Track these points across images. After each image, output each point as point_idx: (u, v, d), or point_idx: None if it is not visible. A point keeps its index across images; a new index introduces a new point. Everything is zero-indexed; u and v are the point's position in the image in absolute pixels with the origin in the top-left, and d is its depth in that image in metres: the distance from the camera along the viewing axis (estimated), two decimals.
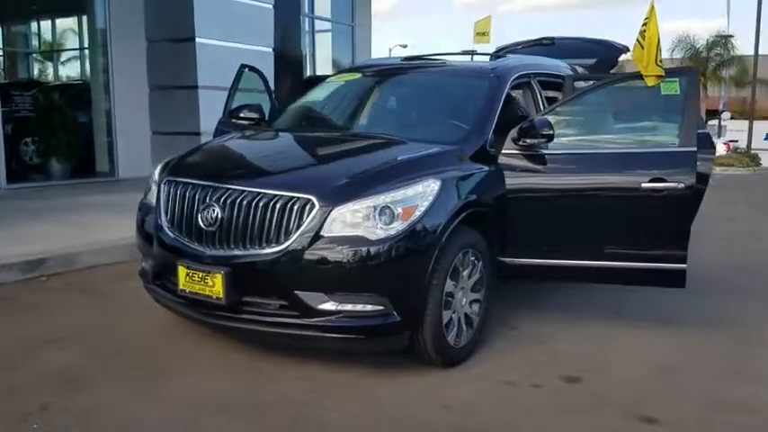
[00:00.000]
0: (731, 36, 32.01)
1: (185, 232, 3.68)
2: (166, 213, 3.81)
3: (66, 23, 16.45)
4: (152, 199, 4.03)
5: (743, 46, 41.04)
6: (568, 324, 4.52)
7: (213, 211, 3.53)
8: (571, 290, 5.24)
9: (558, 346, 4.14)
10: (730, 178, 16.19)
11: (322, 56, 15.34)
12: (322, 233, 3.36)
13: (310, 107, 5.26)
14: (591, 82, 5.31)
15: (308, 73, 14.00)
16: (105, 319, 4.46)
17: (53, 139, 10.52)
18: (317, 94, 5.34)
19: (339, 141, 4.44)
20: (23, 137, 11.29)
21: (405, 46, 41.62)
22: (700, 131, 4.17)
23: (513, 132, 4.13)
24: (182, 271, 3.58)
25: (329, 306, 3.39)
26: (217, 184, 3.62)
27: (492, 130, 4.22)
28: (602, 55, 6.51)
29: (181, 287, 3.60)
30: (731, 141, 26.14)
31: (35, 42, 17.85)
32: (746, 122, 23.46)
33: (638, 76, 4.16)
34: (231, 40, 9.26)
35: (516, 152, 4.15)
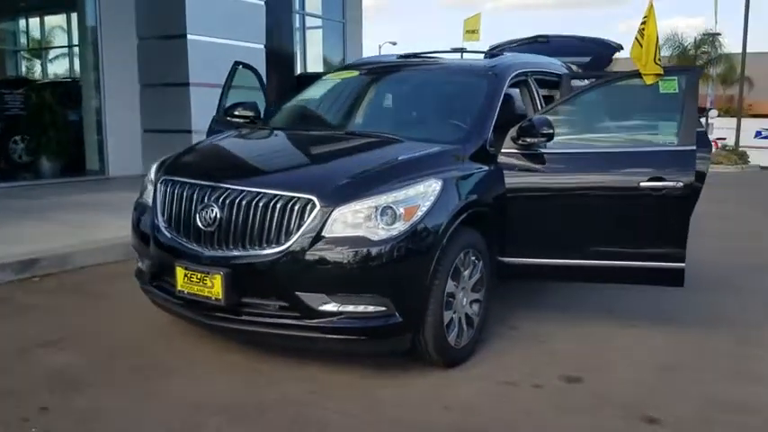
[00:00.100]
0: (718, 34, 32.24)
1: (183, 232, 3.64)
2: (163, 213, 3.78)
3: (57, 20, 16.33)
4: (148, 198, 3.99)
5: (730, 44, 41.33)
6: (567, 323, 4.52)
7: (212, 211, 3.49)
8: (569, 289, 5.25)
9: (557, 346, 4.14)
10: (719, 176, 16.23)
11: (313, 53, 15.32)
12: (323, 233, 3.34)
13: (308, 105, 5.22)
14: (588, 80, 5.32)
15: (299, 70, 13.96)
16: (102, 319, 4.41)
17: (43, 137, 10.43)
18: (313, 92, 5.29)
19: (338, 140, 4.40)
20: (13, 135, 11.21)
21: (394, 43, 41.74)
22: (698, 130, 4.18)
23: (513, 131, 4.12)
24: (180, 272, 3.54)
25: (330, 307, 3.36)
26: (215, 184, 3.59)
27: (491, 129, 4.20)
28: (597, 53, 6.53)
29: (179, 288, 3.56)
30: (719, 139, 26.31)
31: (24, 40, 17.71)
32: (734, 120, 23.58)
33: (637, 74, 4.16)
34: (222, 36, 9.21)
35: (516, 151, 4.14)
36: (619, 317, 4.75)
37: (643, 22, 4.14)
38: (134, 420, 3.11)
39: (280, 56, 10.41)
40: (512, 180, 4.11)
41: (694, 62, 30.90)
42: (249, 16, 9.85)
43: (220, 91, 6.23)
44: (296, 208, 3.37)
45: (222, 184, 3.57)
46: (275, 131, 4.72)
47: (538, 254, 4.19)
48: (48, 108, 10.63)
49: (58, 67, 17.04)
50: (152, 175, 4.06)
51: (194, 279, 3.48)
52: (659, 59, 4.09)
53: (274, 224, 3.39)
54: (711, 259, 6.30)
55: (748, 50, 24.00)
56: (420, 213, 3.45)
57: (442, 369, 3.69)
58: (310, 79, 7.26)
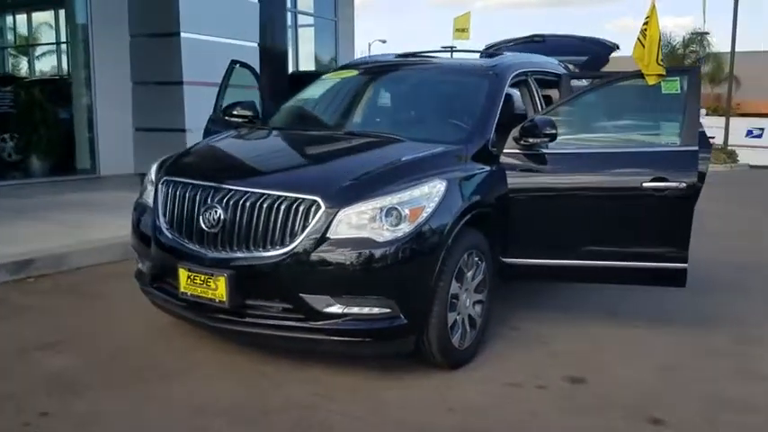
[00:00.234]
0: (707, 33, 32.48)
1: (185, 234, 3.60)
2: (165, 214, 3.73)
3: (46, 17, 16.15)
4: (148, 199, 3.95)
5: (717, 43, 41.60)
6: (569, 324, 4.52)
7: (215, 212, 3.46)
8: (570, 290, 5.24)
9: (559, 347, 4.13)
10: (710, 175, 16.23)
11: (305, 51, 15.25)
12: (328, 235, 3.31)
13: (308, 105, 5.18)
14: (586, 80, 5.32)
15: (291, 68, 13.89)
16: (99, 321, 4.36)
17: (33, 135, 10.32)
18: (313, 92, 5.25)
19: (341, 140, 4.37)
20: (1, 133, 11.08)
21: (384, 41, 41.65)
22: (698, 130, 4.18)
23: (515, 132, 4.11)
24: (183, 273, 3.50)
25: (335, 309, 3.34)
26: (218, 185, 3.55)
27: (493, 130, 4.19)
28: (594, 53, 6.53)
29: (182, 290, 3.52)
30: (709, 138, 26.32)
31: (11, 37, 17.51)
32: (722, 119, 23.66)
33: (639, 74, 4.16)
34: (216, 34, 9.12)
35: (518, 152, 4.13)
36: (620, 317, 4.75)
37: (645, 23, 4.15)
38: (135, 424, 3.07)
39: (273, 54, 10.31)
40: (514, 180, 4.10)
41: (683, 61, 31.08)
42: (243, 14, 9.77)
43: (214, 89, 6.19)
44: (300, 209, 3.34)
45: (225, 185, 3.53)
46: (277, 132, 4.67)
47: (540, 254, 4.18)
48: (38, 106, 10.53)
49: (48, 65, 16.86)
50: (152, 175, 4.01)
51: (198, 281, 3.45)
52: (661, 60, 4.09)
53: (278, 225, 3.36)
54: (709, 258, 6.31)
55: (735, 50, 24.10)
56: (425, 214, 3.43)
57: (445, 371, 3.68)
58: (303, 78, 7.25)
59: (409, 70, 5.16)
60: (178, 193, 3.69)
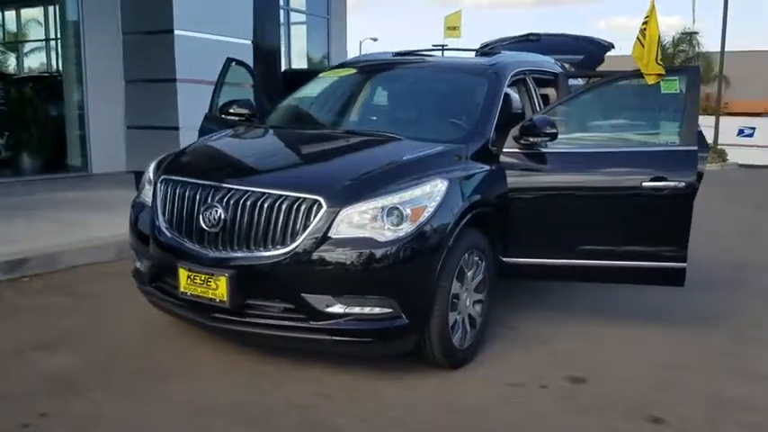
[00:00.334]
0: (696, 33, 32.62)
1: (185, 233, 3.58)
2: (164, 214, 3.70)
3: (37, 13, 16.01)
4: (147, 198, 3.92)
5: (707, 43, 41.78)
6: (568, 324, 4.52)
7: (216, 211, 3.43)
8: (569, 289, 5.25)
9: (559, 347, 4.13)
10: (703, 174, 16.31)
11: (297, 48, 15.19)
12: (329, 235, 3.30)
13: (306, 104, 5.14)
14: (584, 79, 5.33)
15: (284, 66, 13.84)
16: (95, 320, 4.33)
17: (24, 133, 10.25)
18: (311, 90, 5.21)
19: (340, 139, 4.35)
20: None
21: (375, 39, 41.63)
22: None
23: (515, 131, 4.10)
24: (183, 273, 3.47)
25: (337, 309, 3.32)
26: (219, 184, 3.53)
27: (493, 129, 4.18)
28: (589, 52, 6.53)
29: (182, 290, 3.50)
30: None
31: (0, 33, 17.35)
32: (711, 118, 23.72)
33: (638, 74, 4.16)
34: (210, 32, 9.07)
35: (518, 151, 4.13)
36: (619, 317, 4.76)
37: (645, 22, 4.15)
38: (135, 425, 3.05)
39: (266, 52, 10.27)
40: (514, 180, 4.10)
41: (673, 61, 31.21)
42: (237, 11, 9.72)
43: (208, 87, 6.14)
44: (302, 209, 3.32)
45: (226, 185, 3.51)
46: (276, 130, 4.64)
47: (540, 254, 4.18)
48: (29, 103, 10.46)
49: (39, 62, 16.70)
50: (151, 174, 3.98)
51: (198, 281, 3.42)
52: (661, 59, 4.10)
53: (280, 225, 3.34)
54: (708, 257, 6.33)
55: (725, 49, 24.19)
56: (427, 214, 3.42)
57: (445, 370, 3.67)
58: (296, 75, 7.21)
59: (407, 69, 5.15)
60: (177, 192, 3.66)
